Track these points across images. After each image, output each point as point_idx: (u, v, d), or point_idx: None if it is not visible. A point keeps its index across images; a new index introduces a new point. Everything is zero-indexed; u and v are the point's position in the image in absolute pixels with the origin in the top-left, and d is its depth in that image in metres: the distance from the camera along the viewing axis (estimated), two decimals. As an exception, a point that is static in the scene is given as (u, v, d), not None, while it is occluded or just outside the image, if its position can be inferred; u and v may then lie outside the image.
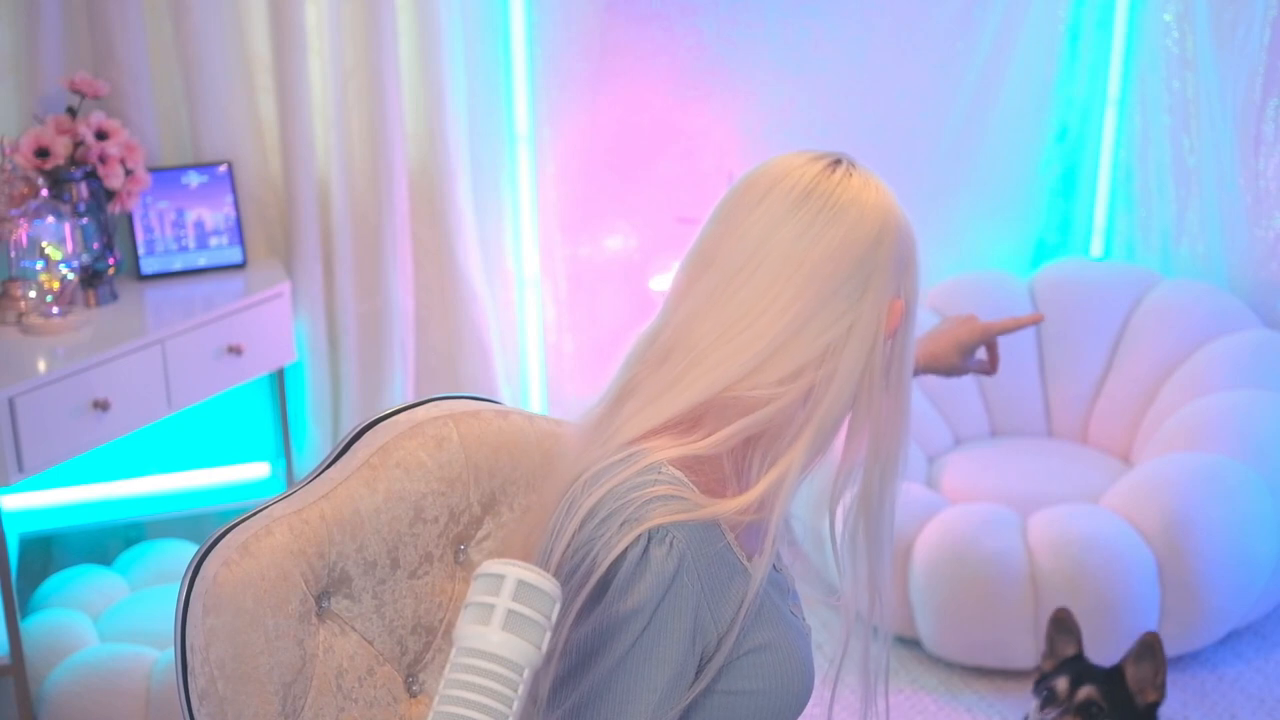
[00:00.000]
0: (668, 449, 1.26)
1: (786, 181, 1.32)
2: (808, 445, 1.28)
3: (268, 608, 1.26)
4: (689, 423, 1.28)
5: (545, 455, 1.49)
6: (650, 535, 1.20)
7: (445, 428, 1.43)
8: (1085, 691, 2.10)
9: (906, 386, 1.35)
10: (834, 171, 1.35)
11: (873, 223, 1.32)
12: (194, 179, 2.81)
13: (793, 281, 1.27)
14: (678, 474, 1.25)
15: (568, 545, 1.23)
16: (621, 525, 1.21)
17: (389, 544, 1.37)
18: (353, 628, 1.36)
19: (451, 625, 1.42)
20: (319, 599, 1.33)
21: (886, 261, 1.31)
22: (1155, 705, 2.11)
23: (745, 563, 1.29)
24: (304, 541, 1.30)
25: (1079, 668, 2.15)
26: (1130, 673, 2.11)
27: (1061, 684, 2.13)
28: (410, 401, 1.47)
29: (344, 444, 1.42)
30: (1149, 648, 2.09)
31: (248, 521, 1.30)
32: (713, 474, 1.29)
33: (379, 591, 1.37)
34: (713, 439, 1.26)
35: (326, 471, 1.39)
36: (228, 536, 1.28)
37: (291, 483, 2.91)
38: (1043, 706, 2.13)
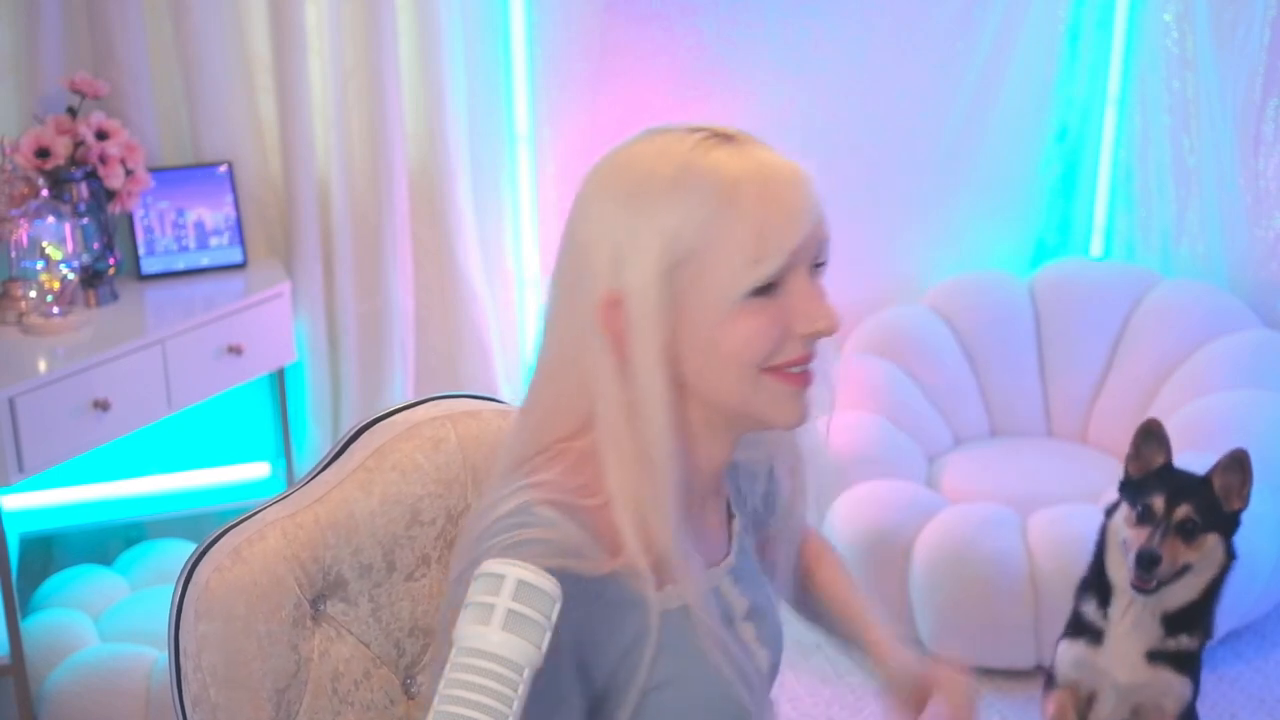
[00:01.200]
0: (545, 486, 1.18)
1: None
2: (632, 477, 1.17)
3: (260, 614, 1.25)
4: (563, 458, 1.21)
5: None
6: None
7: (443, 429, 1.41)
8: (1183, 511, 2.17)
9: (655, 386, 1.18)
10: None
11: (573, 229, 1.22)
12: (194, 179, 2.81)
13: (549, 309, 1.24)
14: (551, 516, 1.15)
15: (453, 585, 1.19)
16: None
17: (385, 547, 1.36)
18: (349, 631, 1.34)
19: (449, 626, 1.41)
20: (314, 603, 1.32)
21: (585, 260, 1.19)
22: (1239, 511, 2.20)
23: (647, 594, 1.17)
24: (297, 546, 1.29)
25: (1174, 483, 2.21)
26: (1219, 481, 2.19)
27: (1158, 501, 2.18)
28: (409, 401, 1.46)
29: (341, 445, 1.40)
30: (1238, 460, 2.17)
31: (240, 526, 1.29)
32: (598, 518, 1.18)
33: (375, 595, 1.36)
34: (608, 488, 1.18)
35: (322, 474, 1.38)
36: (220, 541, 1.27)
37: (292, 483, 2.91)
38: (1139, 520, 2.19)
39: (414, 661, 1.40)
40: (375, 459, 1.37)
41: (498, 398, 1.53)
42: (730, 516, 1.34)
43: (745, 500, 1.39)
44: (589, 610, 1.14)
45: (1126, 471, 2.28)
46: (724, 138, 1.20)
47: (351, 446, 1.40)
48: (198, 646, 1.23)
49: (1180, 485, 2.21)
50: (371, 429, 1.41)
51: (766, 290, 1.16)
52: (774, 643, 1.35)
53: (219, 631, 1.24)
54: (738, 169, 1.17)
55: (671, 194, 1.16)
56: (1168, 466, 2.24)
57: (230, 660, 1.24)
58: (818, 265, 1.21)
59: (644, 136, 1.23)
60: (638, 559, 1.16)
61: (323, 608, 1.33)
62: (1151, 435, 2.26)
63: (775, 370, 1.18)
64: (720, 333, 1.16)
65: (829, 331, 1.19)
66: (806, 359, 1.20)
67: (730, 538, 1.32)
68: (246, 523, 1.29)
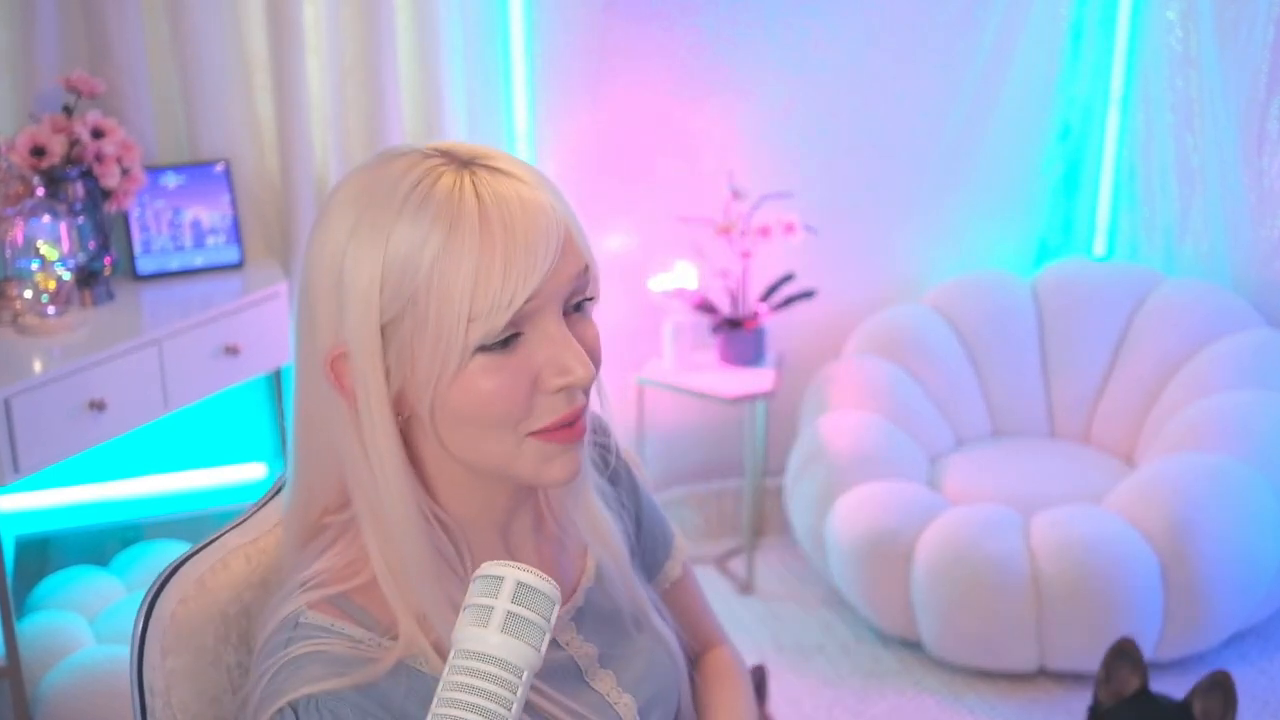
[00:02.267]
0: (316, 580, 1.09)
1: None
2: (386, 544, 1.08)
3: (229, 645, 1.20)
4: (331, 538, 1.13)
5: None
6: (295, 708, 1.03)
7: None
8: None
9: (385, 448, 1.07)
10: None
11: (305, 264, 1.09)
12: (191, 178, 2.80)
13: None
14: (322, 621, 1.07)
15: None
16: (260, 702, 1.05)
17: None
18: None
19: None
20: None
21: (312, 305, 1.07)
22: None
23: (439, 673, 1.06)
24: (263, 571, 1.23)
25: (1150, 713, 2.01)
26: (1199, 707, 2.00)
27: None
28: None
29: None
30: (1219, 684, 1.98)
31: (200, 555, 1.23)
32: (371, 600, 1.10)
33: None
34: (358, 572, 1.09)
35: (279, 496, 1.31)
36: (181, 571, 1.21)
37: (289, 484, 2.90)
38: None
39: None
40: None
41: None
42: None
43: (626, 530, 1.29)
44: (390, 715, 1.05)
45: (1096, 698, 2.07)
46: (459, 162, 1.05)
47: None
48: (166, 683, 1.17)
49: (1158, 717, 2.00)
50: None
51: (505, 343, 1.03)
52: (650, 683, 1.23)
53: (188, 666, 1.18)
54: (460, 203, 1.02)
55: (389, 231, 1.02)
56: (1144, 693, 2.03)
57: (202, 694, 1.19)
58: (581, 303, 1.10)
59: (378, 159, 1.08)
60: (416, 637, 1.07)
61: None
62: (1124, 656, 2.05)
63: (537, 433, 1.07)
64: (455, 394, 1.04)
65: (583, 382, 1.06)
66: (572, 416, 1.07)
67: (582, 577, 1.23)
68: (206, 551, 1.23)
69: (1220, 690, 1.99)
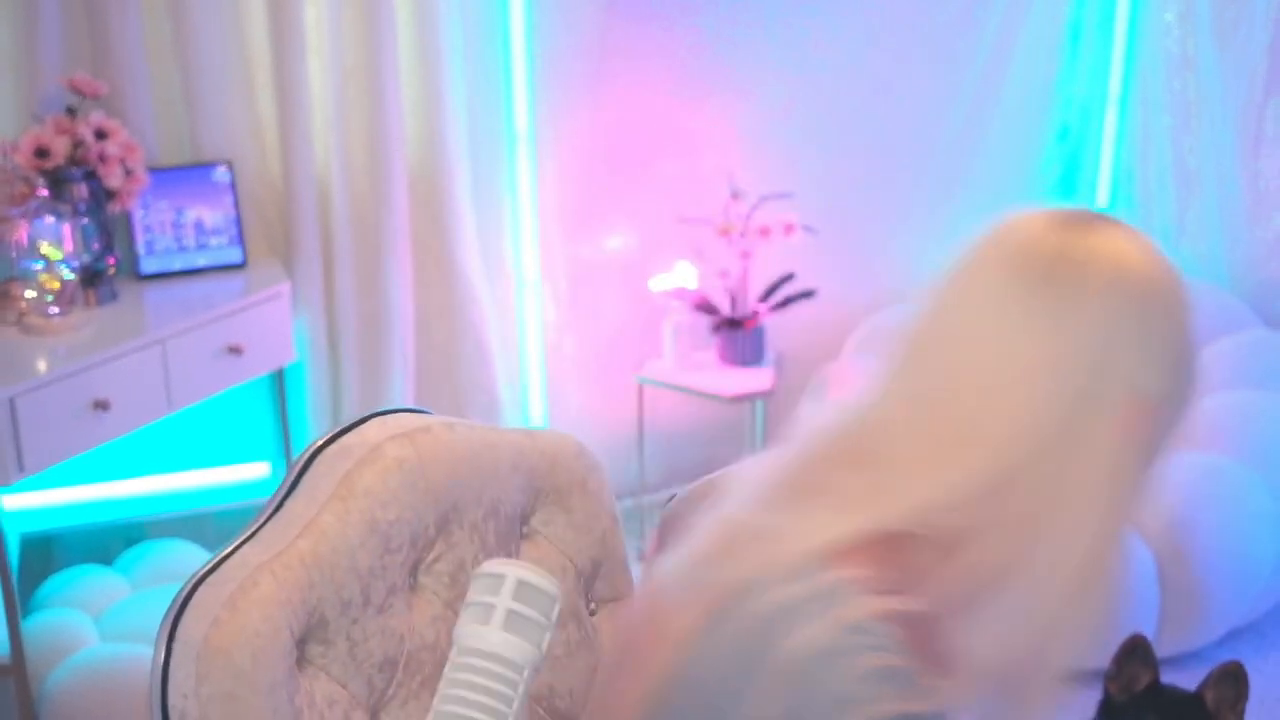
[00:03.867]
0: (870, 595, 1.00)
1: (1020, 254, 1.09)
2: (1044, 609, 1.03)
3: (264, 667, 1.15)
4: (882, 544, 1.03)
5: (493, 466, 1.40)
6: None
7: (404, 448, 1.34)
8: None
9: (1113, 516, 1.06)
10: (1081, 238, 1.08)
11: (1122, 302, 1.07)
12: (194, 179, 2.81)
13: (1016, 393, 1.03)
14: (890, 634, 0.99)
15: (755, 697, 1.01)
16: (842, 707, 0.98)
17: (363, 580, 1.28)
18: (327, 673, 1.27)
19: (411, 656, 1.33)
20: (299, 647, 1.24)
21: (1130, 348, 1.06)
22: None
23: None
24: (289, 589, 1.20)
25: (1164, 707, 2.02)
26: (1211, 696, 2.00)
27: None
28: (351, 421, 1.38)
29: (297, 472, 1.32)
30: (1232, 674, 1.98)
31: (220, 573, 1.19)
32: (922, 628, 1.01)
33: (351, 632, 1.28)
34: (936, 591, 1.01)
35: (288, 504, 1.30)
36: (200, 593, 1.17)
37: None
38: None
39: (380, 697, 1.33)
40: (345, 487, 1.29)
41: (424, 409, 1.44)
42: None
43: None
44: None
45: (1107, 692, 2.05)
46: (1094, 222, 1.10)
47: (309, 473, 1.32)
48: (202, 712, 1.12)
49: (1171, 708, 2.00)
50: (323, 453, 1.34)
51: None
52: None
53: (225, 691, 1.13)
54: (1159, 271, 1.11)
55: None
56: (1155, 685, 2.03)
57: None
58: None
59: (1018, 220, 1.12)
60: (967, 685, 1.03)
61: (303, 651, 1.26)
62: (1136, 653, 2.03)
63: None
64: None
65: None
66: None
67: None
68: (226, 569, 1.19)
69: (1232, 679, 1.99)
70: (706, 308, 3.27)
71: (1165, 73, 3.37)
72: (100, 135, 2.60)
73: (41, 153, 2.56)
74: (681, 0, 3.22)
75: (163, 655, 1.14)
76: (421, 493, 1.33)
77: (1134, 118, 3.50)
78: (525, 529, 1.48)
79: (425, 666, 1.34)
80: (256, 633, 1.16)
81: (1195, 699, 2.00)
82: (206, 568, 1.20)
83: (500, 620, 0.99)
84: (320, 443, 1.34)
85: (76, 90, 2.61)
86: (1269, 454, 2.88)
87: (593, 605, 1.52)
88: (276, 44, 2.82)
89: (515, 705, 0.99)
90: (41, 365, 2.39)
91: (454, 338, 3.15)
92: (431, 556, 1.37)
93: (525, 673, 1.00)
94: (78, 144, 2.59)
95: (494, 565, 1.01)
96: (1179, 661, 2.86)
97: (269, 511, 1.28)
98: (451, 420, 1.41)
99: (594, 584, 1.52)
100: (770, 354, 3.33)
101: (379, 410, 1.40)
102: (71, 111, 2.62)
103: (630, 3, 3.18)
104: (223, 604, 1.15)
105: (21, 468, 2.32)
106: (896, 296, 3.50)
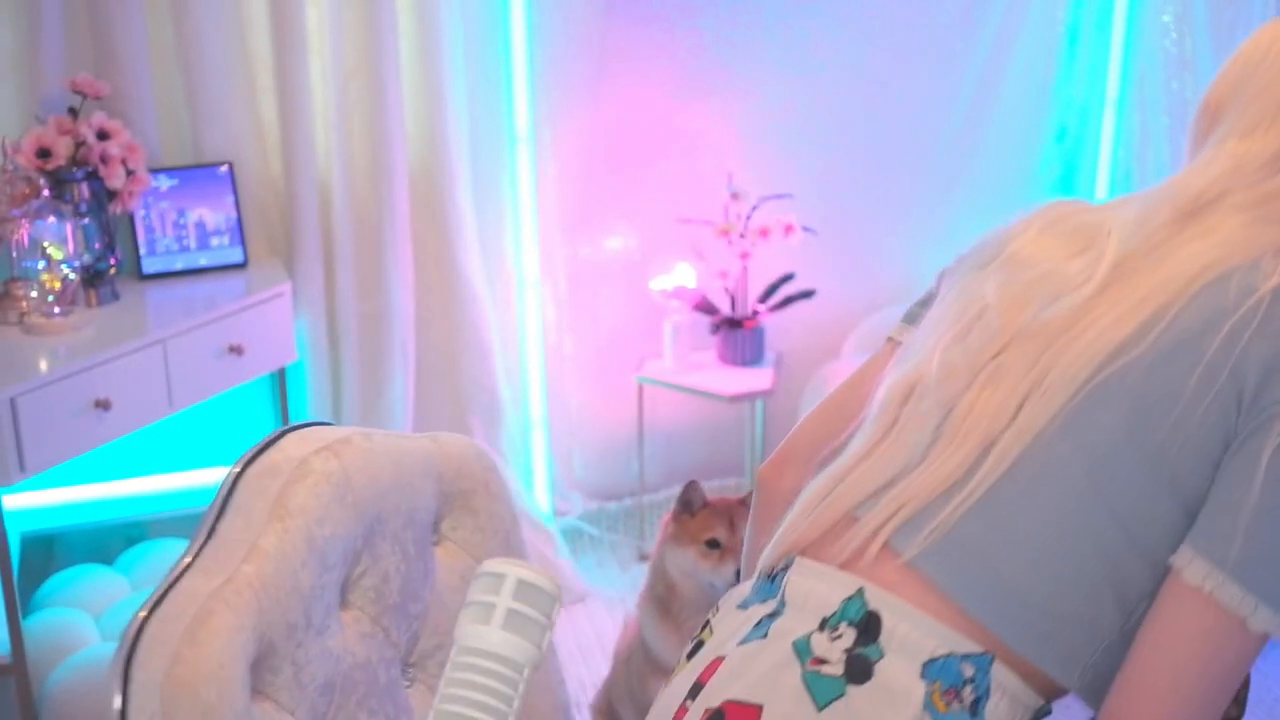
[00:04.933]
0: None
1: None
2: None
3: (228, 700, 1.11)
4: None
5: (408, 475, 1.37)
6: None
7: (329, 461, 1.29)
8: None
9: None
10: None
11: None
12: (195, 179, 2.82)
13: None
14: None
15: None
16: None
17: (305, 602, 1.24)
18: (275, 701, 1.22)
19: (346, 676, 1.30)
20: (251, 675, 1.19)
21: None
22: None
23: None
24: (243, 615, 1.15)
25: None
26: None
27: None
28: (269, 438, 1.32)
29: (225, 495, 1.27)
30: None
31: (169, 605, 1.14)
32: None
33: (296, 656, 1.23)
34: None
35: (221, 529, 1.24)
36: (153, 627, 1.12)
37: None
38: None
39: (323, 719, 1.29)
40: (280, 506, 1.25)
41: (328, 421, 1.41)
42: None
43: None
44: None
45: None
46: None
47: (237, 495, 1.27)
48: None
49: None
50: (247, 473, 1.28)
51: None
52: None
53: None
54: None
55: None
56: None
57: None
58: None
59: None
60: None
61: (254, 681, 1.21)
62: None
63: None
64: None
65: None
66: None
67: None
68: (172, 601, 1.14)
69: (1234, 701, 2.00)
70: (706, 308, 3.27)
71: (1163, 74, 3.38)
72: (102, 136, 2.61)
73: (44, 153, 2.57)
74: (681, 1, 3.22)
75: (118, 699, 1.09)
76: (350, 506, 1.30)
77: (1132, 119, 3.51)
78: (436, 536, 1.46)
79: (359, 687, 1.31)
80: (220, 665, 1.11)
81: None
82: (151, 602, 1.15)
83: (501, 620, 1.00)
84: (241, 464, 1.30)
85: (79, 91, 2.62)
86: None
87: None
88: (278, 45, 2.83)
89: (516, 705, 0.99)
90: (43, 365, 2.40)
91: (454, 338, 3.16)
92: (358, 571, 1.34)
93: (525, 672, 1.00)
94: (80, 144, 2.60)
95: (494, 565, 1.01)
96: (1177, 661, 2.87)
97: (202, 538, 1.23)
98: (367, 430, 1.39)
99: None
100: (770, 354, 3.34)
101: (290, 425, 1.36)
102: (74, 112, 2.63)
103: (630, 4, 3.19)
104: (181, 638, 1.11)
105: (22, 467, 2.33)
106: (895, 296, 3.51)
